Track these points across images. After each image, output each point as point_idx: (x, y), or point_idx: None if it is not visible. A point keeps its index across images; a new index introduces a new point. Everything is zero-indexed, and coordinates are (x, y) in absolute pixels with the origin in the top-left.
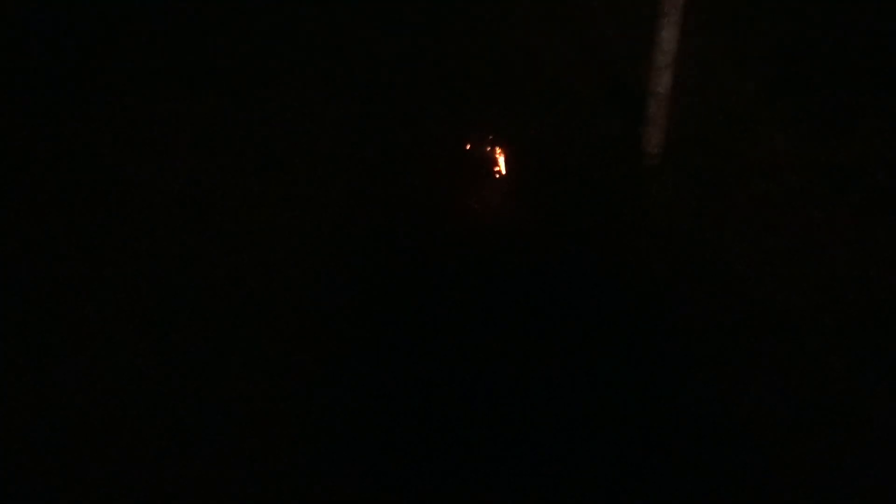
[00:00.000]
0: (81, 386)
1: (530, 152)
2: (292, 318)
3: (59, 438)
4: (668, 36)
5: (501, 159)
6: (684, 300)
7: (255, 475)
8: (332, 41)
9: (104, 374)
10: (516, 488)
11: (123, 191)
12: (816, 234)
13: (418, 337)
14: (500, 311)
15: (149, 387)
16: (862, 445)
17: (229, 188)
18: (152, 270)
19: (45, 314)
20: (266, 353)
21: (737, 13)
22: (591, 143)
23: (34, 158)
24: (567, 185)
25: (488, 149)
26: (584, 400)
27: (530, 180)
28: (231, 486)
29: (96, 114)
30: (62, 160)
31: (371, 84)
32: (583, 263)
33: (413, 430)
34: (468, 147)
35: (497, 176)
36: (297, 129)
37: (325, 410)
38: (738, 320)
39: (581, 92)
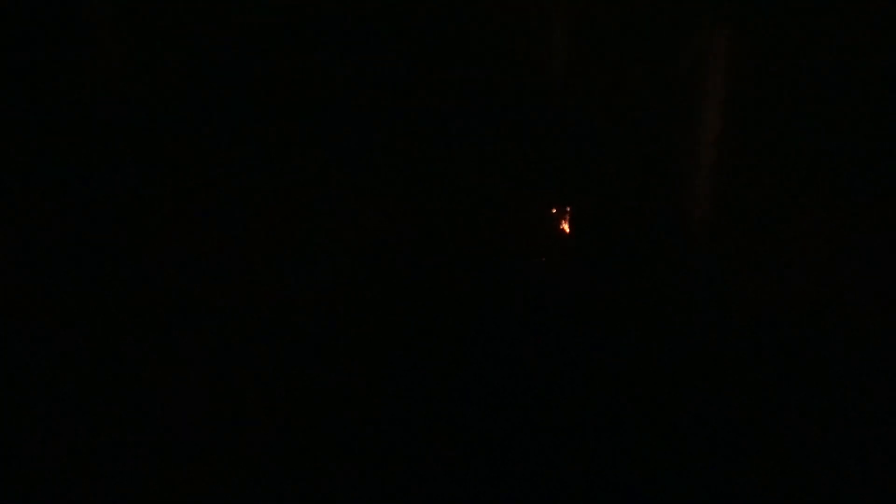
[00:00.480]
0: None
1: (583, 222)
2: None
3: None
4: (711, 113)
5: (558, 226)
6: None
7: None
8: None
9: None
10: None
11: None
12: None
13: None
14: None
15: None
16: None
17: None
18: None
19: None
20: None
21: (779, 88)
22: (641, 213)
23: None
24: (622, 249)
25: (545, 216)
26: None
27: (585, 246)
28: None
29: None
30: None
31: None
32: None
33: None
34: (529, 212)
35: (558, 238)
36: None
37: None
38: None
39: (630, 166)
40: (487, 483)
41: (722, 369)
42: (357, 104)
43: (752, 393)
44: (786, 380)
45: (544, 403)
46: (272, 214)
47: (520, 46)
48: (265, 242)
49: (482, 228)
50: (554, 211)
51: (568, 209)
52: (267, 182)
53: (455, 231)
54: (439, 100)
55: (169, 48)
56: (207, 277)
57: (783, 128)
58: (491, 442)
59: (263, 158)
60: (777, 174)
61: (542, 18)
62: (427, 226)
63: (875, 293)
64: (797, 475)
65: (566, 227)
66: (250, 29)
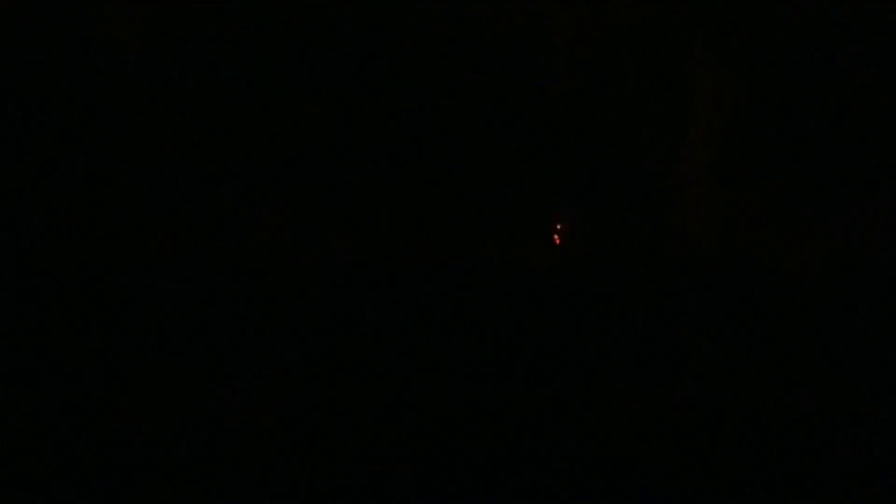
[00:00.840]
0: None
1: (579, 233)
2: None
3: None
4: (700, 133)
5: (555, 236)
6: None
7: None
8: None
9: None
10: None
11: None
12: None
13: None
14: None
15: None
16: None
17: None
18: None
19: None
20: None
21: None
22: (632, 225)
23: None
24: (615, 258)
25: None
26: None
27: (581, 255)
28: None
29: None
30: None
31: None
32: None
33: None
34: (529, 223)
35: (554, 248)
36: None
37: None
38: None
39: (623, 181)
40: (483, 483)
41: (713, 371)
42: (359, 109)
43: (738, 394)
44: (775, 381)
45: (539, 405)
46: (271, 219)
47: (520, 65)
48: (263, 243)
49: (482, 236)
50: (551, 222)
51: (565, 221)
52: (265, 190)
53: (454, 238)
54: (442, 113)
55: (175, 48)
56: (207, 276)
57: (767, 146)
58: (489, 441)
59: (263, 166)
60: (761, 189)
61: (543, 40)
62: (426, 235)
63: (848, 298)
64: (784, 477)
65: (563, 237)
66: (256, 29)
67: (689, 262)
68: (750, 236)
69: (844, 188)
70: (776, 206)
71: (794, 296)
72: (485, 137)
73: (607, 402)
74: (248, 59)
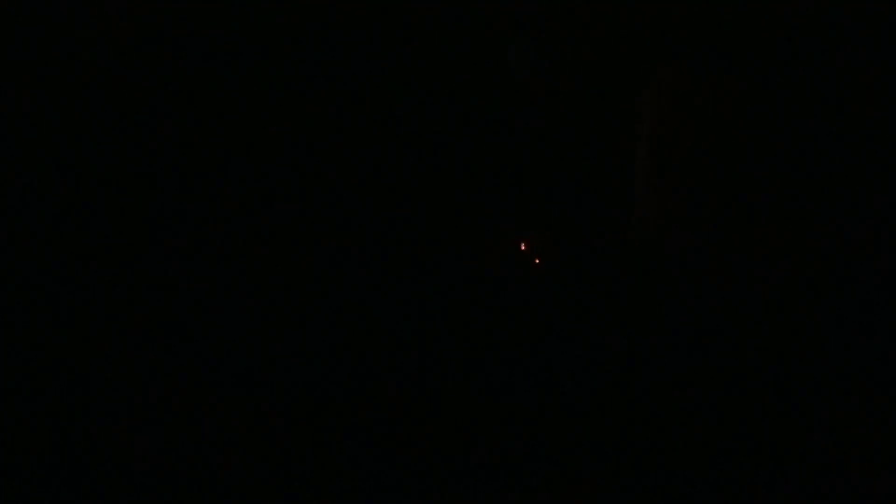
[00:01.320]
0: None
1: (544, 244)
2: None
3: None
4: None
5: (524, 247)
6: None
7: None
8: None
9: None
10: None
11: None
12: None
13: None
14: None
15: None
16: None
17: None
18: None
19: None
20: None
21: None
22: (589, 235)
23: None
24: (576, 266)
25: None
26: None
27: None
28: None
29: None
30: None
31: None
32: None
33: None
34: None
35: (523, 258)
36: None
37: None
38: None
39: (580, 195)
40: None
41: (665, 372)
42: (343, 111)
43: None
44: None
45: (507, 403)
46: (268, 218)
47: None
48: (257, 244)
49: (460, 247)
50: (520, 235)
51: (530, 234)
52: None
53: (435, 244)
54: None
55: (171, 47)
56: (206, 277)
57: (713, 159)
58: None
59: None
60: (705, 199)
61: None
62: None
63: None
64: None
65: (531, 248)
66: (251, 29)
67: (659, 261)
68: (693, 246)
69: (800, 187)
70: (721, 221)
71: (769, 292)
72: (449, 141)
73: (589, 400)
74: (247, 58)
